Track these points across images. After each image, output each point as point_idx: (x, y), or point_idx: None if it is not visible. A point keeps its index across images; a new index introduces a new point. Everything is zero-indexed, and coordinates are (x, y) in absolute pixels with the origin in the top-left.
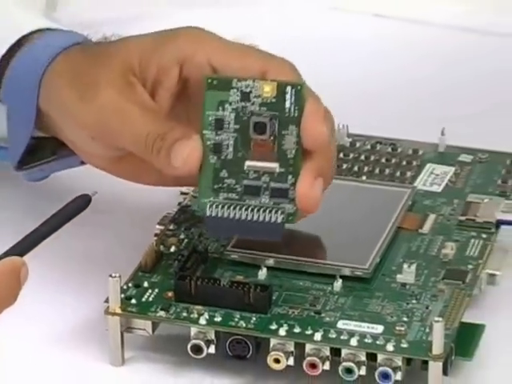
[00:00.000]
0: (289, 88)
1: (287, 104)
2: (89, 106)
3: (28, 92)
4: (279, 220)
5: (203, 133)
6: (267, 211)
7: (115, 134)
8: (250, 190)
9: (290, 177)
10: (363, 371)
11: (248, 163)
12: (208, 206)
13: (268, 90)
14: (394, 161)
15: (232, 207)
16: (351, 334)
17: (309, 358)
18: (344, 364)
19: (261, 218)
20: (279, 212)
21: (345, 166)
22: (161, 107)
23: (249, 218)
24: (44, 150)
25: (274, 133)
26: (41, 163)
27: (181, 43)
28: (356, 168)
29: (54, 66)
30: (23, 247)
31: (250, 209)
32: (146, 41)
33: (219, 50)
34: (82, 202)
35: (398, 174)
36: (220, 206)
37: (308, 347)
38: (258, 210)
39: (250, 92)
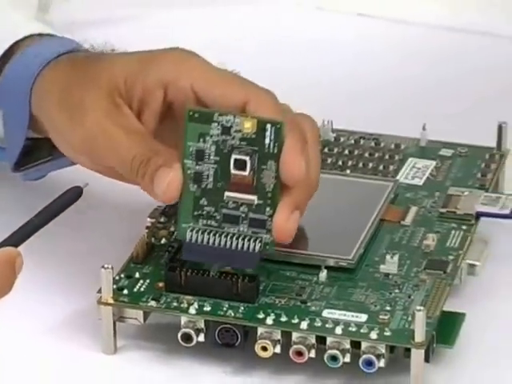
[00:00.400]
0: (269, 126)
1: (267, 140)
2: (77, 128)
3: (20, 98)
4: (257, 249)
5: (184, 162)
6: (245, 239)
7: (102, 155)
8: (228, 219)
9: (267, 209)
10: (348, 358)
11: (227, 194)
12: (188, 231)
13: (248, 126)
14: (376, 155)
15: (211, 233)
16: (336, 322)
17: (295, 346)
18: (329, 352)
19: (239, 246)
20: (257, 241)
21: (329, 160)
22: (147, 127)
23: (227, 245)
24: (40, 150)
25: (254, 167)
26: (37, 164)
27: (165, 66)
28: (340, 162)
29: (45, 74)
30: (17, 238)
31: (228, 236)
32: (132, 61)
33: (202, 76)
34: (74, 194)
35: (380, 167)
36: (200, 232)
37: (294, 335)
38: (237, 238)
39: (231, 127)
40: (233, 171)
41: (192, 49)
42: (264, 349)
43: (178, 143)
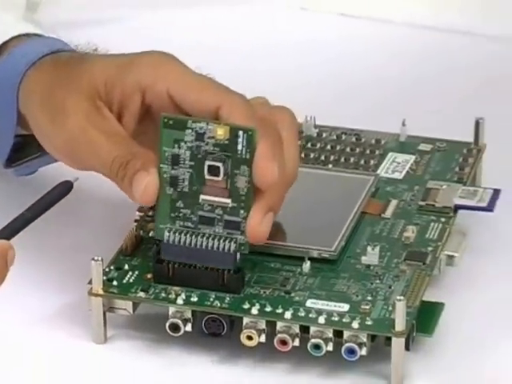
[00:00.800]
0: (240, 132)
1: (239, 147)
2: (58, 130)
3: (8, 98)
4: (232, 249)
5: (160, 166)
6: (221, 240)
7: (83, 157)
8: (204, 221)
9: (241, 211)
10: (330, 347)
11: (202, 197)
12: (166, 231)
13: (221, 132)
14: (358, 150)
15: (188, 234)
16: (319, 312)
17: (279, 335)
18: (312, 340)
19: (215, 246)
20: (232, 242)
21: (312, 155)
22: (127, 129)
23: (204, 245)
24: (30, 146)
25: (227, 172)
26: (27, 160)
27: (143, 70)
28: (323, 157)
29: (29, 74)
30: (8, 232)
31: (205, 237)
32: (111, 65)
33: (178, 80)
34: (64, 188)
35: (361, 162)
36: (177, 233)
37: (279, 325)
38: (213, 239)
39: (204, 133)
40: (207, 176)
41: (175, 50)
42: (249, 338)
43: (156, 146)
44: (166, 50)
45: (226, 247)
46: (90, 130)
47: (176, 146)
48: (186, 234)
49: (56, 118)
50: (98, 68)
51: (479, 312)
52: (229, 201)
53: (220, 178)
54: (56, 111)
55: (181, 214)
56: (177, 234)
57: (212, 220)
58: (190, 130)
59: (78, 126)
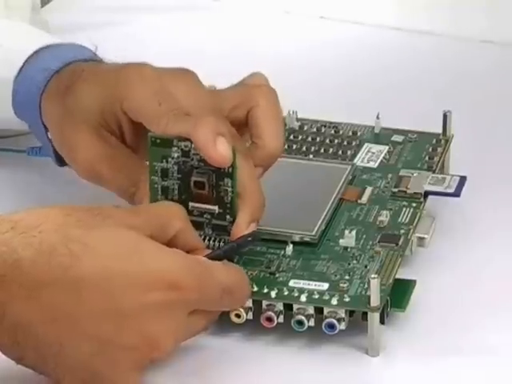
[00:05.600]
0: None
1: None
2: (73, 163)
3: (32, 113)
4: (221, 249)
5: (151, 178)
6: (210, 241)
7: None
8: (195, 224)
9: (228, 216)
10: (312, 323)
11: (191, 204)
12: None
13: None
14: (336, 141)
15: None
16: (301, 291)
17: (265, 313)
18: (295, 317)
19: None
20: (221, 242)
21: (294, 146)
22: (133, 144)
23: None
24: None
25: (212, 184)
26: None
27: (120, 89)
28: (304, 148)
29: (42, 105)
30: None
31: None
32: (101, 92)
33: (135, 99)
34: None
35: (340, 152)
36: None
37: (264, 303)
38: (204, 240)
39: (189, 150)
40: (193, 190)
41: (161, 54)
42: (238, 316)
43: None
44: (149, 55)
45: (216, 247)
46: (97, 165)
47: (164, 161)
48: None
49: (68, 154)
50: (93, 100)
51: (447, 289)
52: (215, 207)
53: (206, 191)
54: (67, 147)
55: None
56: None
57: (201, 224)
58: (176, 148)
59: (87, 160)
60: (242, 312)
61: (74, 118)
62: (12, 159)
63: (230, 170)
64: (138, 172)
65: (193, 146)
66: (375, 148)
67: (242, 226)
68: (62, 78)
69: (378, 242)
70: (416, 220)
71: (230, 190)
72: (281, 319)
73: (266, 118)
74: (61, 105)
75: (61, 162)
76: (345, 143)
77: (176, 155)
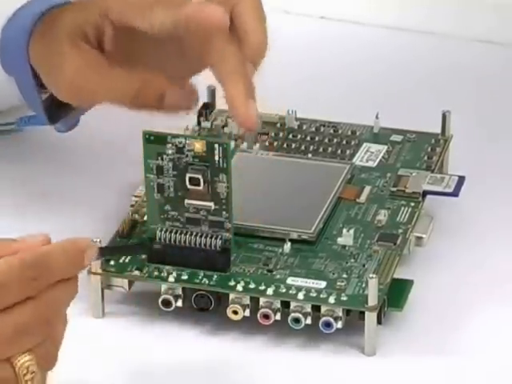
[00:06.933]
0: (216, 145)
1: (216, 158)
2: (63, 77)
3: (20, 60)
4: (218, 245)
5: (146, 175)
6: (207, 237)
7: (93, 92)
8: (191, 221)
9: (224, 212)
10: (309, 321)
11: (187, 201)
12: (157, 231)
13: (198, 146)
14: (335, 141)
15: (178, 233)
16: (298, 288)
17: (262, 310)
18: (292, 315)
19: (202, 244)
20: (218, 238)
21: (293, 145)
22: (119, 50)
23: (192, 244)
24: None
25: (207, 180)
26: (66, 114)
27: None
28: (303, 147)
29: (35, 31)
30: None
31: (193, 235)
32: (80, 8)
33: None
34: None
35: (338, 152)
36: (168, 232)
37: (262, 300)
38: (201, 236)
39: (184, 147)
40: (189, 186)
41: None
42: (235, 312)
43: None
44: None
45: (213, 244)
46: (86, 71)
47: (159, 158)
48: (175, 233)
49: (54, 70)
50: (71, 17)
51: (445, 288)
52: (211, 204)
53: (201, 188)
54: (54, 69)
55: (169, 216)
56: (167, 233)
57: (198, 220)
58: (170, 144)
59: (74, 69)
60: (240, 309)
61: (57, 37)
62: None
63: (225, 165)
64: (129, 78)
65: (187, 142)
66: (374, 147)
67: (242, 102)
68: (49, 20)
69: (376, 241)
70: (414, 219)
71: (225, 185)
72: (278, 317)
73: (249, 14)
74: (47, 39)
75: (53, 119)
76: (344, 143)
77: (170, 152)
